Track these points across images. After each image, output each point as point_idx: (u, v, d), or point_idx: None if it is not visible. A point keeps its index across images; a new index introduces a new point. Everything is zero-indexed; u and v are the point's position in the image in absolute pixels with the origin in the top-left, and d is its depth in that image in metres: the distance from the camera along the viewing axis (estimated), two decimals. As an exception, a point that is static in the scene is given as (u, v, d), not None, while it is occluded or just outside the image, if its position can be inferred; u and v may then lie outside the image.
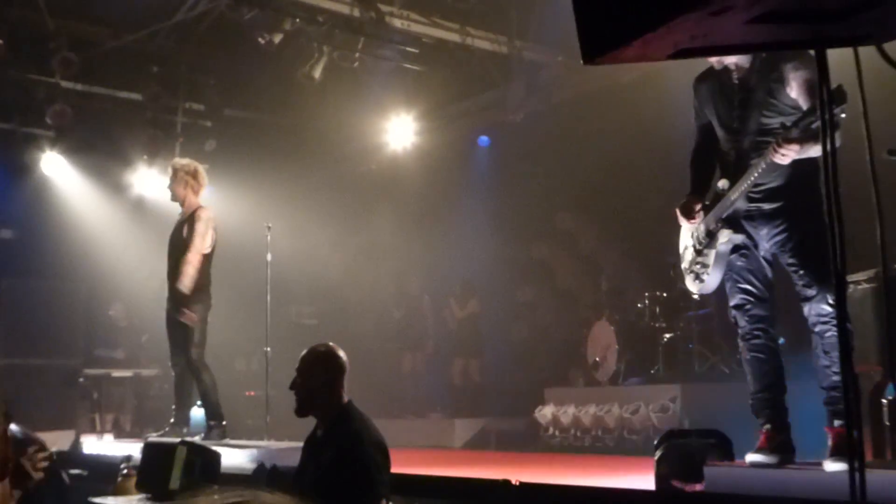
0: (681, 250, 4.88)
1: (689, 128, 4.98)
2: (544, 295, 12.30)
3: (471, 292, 12.34)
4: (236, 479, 5.70)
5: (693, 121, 4.88)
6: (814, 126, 3.91)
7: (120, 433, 10.89)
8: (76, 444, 9.05)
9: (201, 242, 7.71)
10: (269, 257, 8.43)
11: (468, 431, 10.94)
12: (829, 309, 4.16)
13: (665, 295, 9.65)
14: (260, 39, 10.08)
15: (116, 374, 11.77)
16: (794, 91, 4.33)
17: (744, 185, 4.38)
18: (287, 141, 13.05)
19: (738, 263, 4.56)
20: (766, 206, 4.43)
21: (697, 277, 4.71)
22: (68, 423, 10.64)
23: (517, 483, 4.67)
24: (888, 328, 4.52)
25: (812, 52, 3.56)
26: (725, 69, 4.58)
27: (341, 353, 4.33)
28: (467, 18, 10.54)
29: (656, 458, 4.59)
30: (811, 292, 4.25)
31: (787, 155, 4.11)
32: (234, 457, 6.50)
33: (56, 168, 12.27)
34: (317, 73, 10.50)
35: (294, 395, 4.31)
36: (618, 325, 9.87)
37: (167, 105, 11.86)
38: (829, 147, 2.09)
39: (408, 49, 10.86)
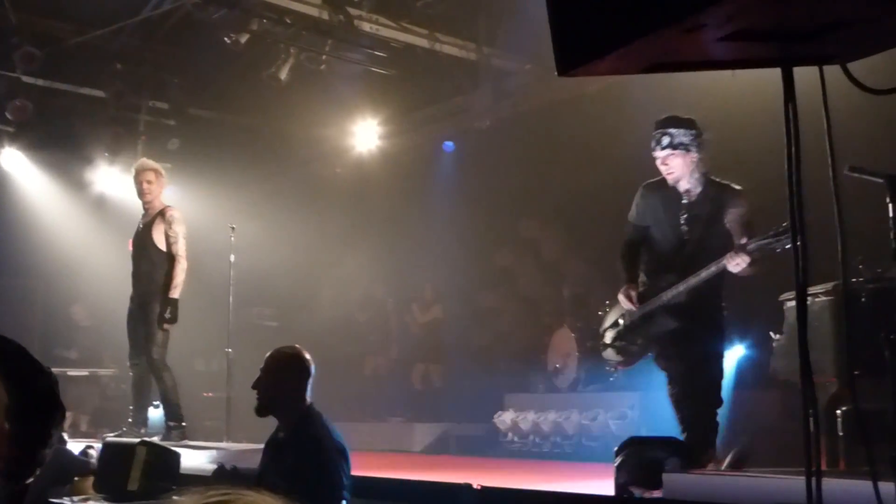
0: (606, 324, 5.57)
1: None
2: (507, 301, 12.34)
3: (434, 298, 12.36)
4: (196, 481, 5.67)
5: (630, 218, 5.47)
6: (766, 242, 4.65)
7: (76, 433, 10.75)
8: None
9: (183, 247, 7.73)
10: (232, 258, 8.40)
11: (428, 436, 10.96)
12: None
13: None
14: (226, 39, 10.05)
15: (73, 373, 11.62)
16: (729, 219, 5.05)
17: (692, 280, 5.02)
18: (252, 142, 12.99)
19: (660, 348, 5.28)
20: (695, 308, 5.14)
21: (622, 352, 5.46)
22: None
23: (478, 487, 4.70)
24: (847, 341, 4.64)
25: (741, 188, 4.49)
26: (675, 190, 5.19)
27: (308, 356, 4.34)
28: (436, 24, 10.57)
29: (616, 464, 4.65)
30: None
31: (740, 265, 4.79)
32: (194, 458, 6.46)
33: (15, 164, 12.12)
34: (283, 75, 10.48)
35: (256, 395, 4.30)
36: (579, 332, 9.93)
37: (130, 103, 11.75)
38: (794, 175, 2.15)
39: (376, 53, 10.87)
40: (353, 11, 10.03)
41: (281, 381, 4.25)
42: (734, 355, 8.17)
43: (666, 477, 4.39)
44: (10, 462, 1.71)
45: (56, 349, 12.13)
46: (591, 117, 10.07)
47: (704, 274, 4.93)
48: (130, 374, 8.09)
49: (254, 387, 4.29)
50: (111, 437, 7.33)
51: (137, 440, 6.13)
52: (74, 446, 7.70)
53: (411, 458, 10.14)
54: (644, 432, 8.08)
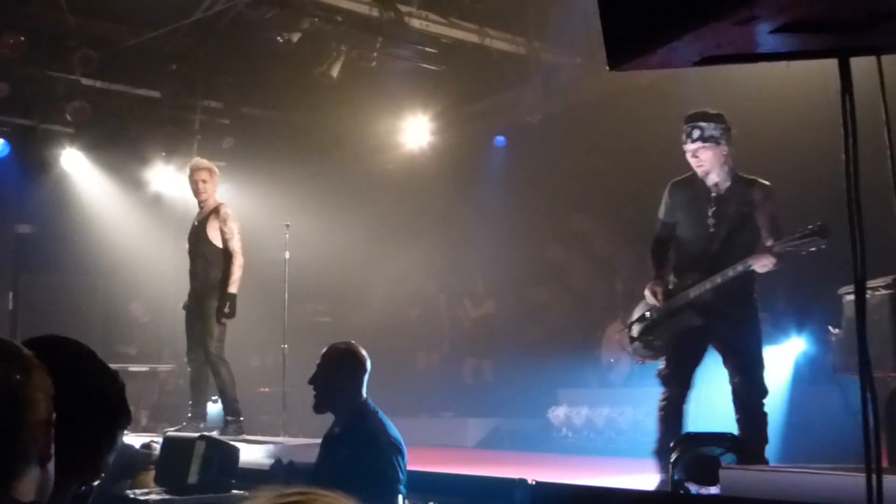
0: (634, 318, 5.61)
1: None
2: (559, 296, 12.30)
3: (486, 293, 12.37)
4: (254, 475, 5.75)
5: (660, 215, 5.54)
6: (795, 244, 4.70)
7: (136, 427, 10.95)
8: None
9: (239, 244, 7.83)
10: (286, 255, 8.48)
11: (481, 431, 10.97)
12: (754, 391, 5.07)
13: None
14: (278, 38, 10.14)
15: (133, 368, 11.84)
16: (758, 216, 5.12)
17: (718, 279, 5.06)
18: (304, 139, 13.09)
19: (681, 343, 5.29)
20: (727, 306, 5.17)
21: (648, 346, 5.50)
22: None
23: (533, 482, 4.70)
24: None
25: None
26: (704, 185, 5.25)
27: (363, 352, 4.37)
28: (485, 19, 10.55)
29: (671, 460, 4.62)
30: (737, 380, 5.09)
31: (766, 266, 4.87)
32: (251, 452, 6.54)
33: (75, 164, 12.35)
34: (334, 72, 10.54)
35: (312, 391, 4.34)
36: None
37: (185, 103, 11.91)
38: (851, 168, 2.12)
39: (426, 49, 10.89)
40: (402, 8, 10.06)
41: (337, 376, 4.28)
42: (792, 350, 8.06)
43: (723, 473, 4.35)
44: (76, 466, 1.76)
45: (116, 345, 12.37)
46: (642, 110, 9.98)
47: (731, 273, 4.99)
48: (188, 369, 8.22)
49: (310, 382, 4.33)
50: (171, 432, 7.45)
51: (197, 435, 6.23)
52: (135, 440, 7.87)
53: (464, 453, 10.16)
54: (699, 428, 8.01)
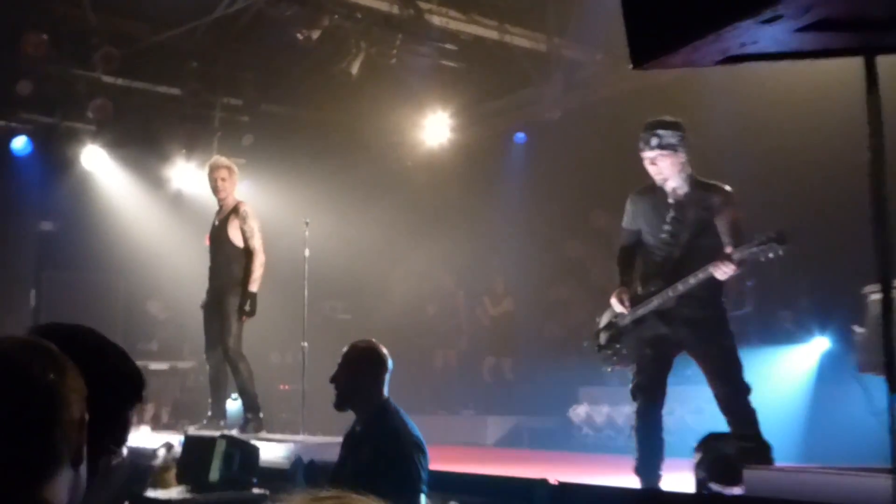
0: (601, 325, 5.60)
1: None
2: (579, 293, 12.26)
3: (505, 290, 12.36)
4: (274, 474, 5.78)
5: (623, 224, 5.60)
6: (753, 252, 4.75)
7: (157, 425, 11.03)
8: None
9: (260, 241, 7.86)
10: (306, 253, 8.50)
11: (501, 429, 10.97)
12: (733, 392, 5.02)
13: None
14: (298, 35, 10.15)
15: (154, 366, 11.91)
16: (719, 222, 5.13)
17: (679, 287, 5.07)
18: (324, 136, 13.13)
19: (648, 352, 5.27)
20: (691, 312, 5.15)
21: (615, 354, 5.49)
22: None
23: (555, 482, 4.70)
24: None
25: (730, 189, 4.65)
26: (663, 192, 5.31)
27: (384, 350, 4.38)
28: (506, 15, 10.54)
29: (695, 460, 4.60)
30: (715, 384, 5.08)
31: (727, 273, 4.87)
32: (272, 450, 6.57)
33: (97, 161, 12.41)
34: (354, 69, 10.55)
35: (333, 389, 4.35)
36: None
37: (205, 100, 11.96)
38: (877, 166, 2.11)
39: (446, 46, 10.87)
40: (422, 5, 10.06)
41: (358, 374, 4.29)
42: (815, 349, 8.02)
43: (747, 473, 4.33)
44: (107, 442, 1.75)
45: (138, 342, 12.45)
46: (663, 108, 9.85)
47: (692, 281, 5.01)
48: (207, 367, 8.26)
49: (332, 381, 4.35)
50: (192, 431, 7.50)
51: (218, 433, 6.27)
52: (157, 438, 7.94)
53: (484, 451, 10.16)
54: (722, 427, 7.99)
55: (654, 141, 5.23)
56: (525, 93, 11.61)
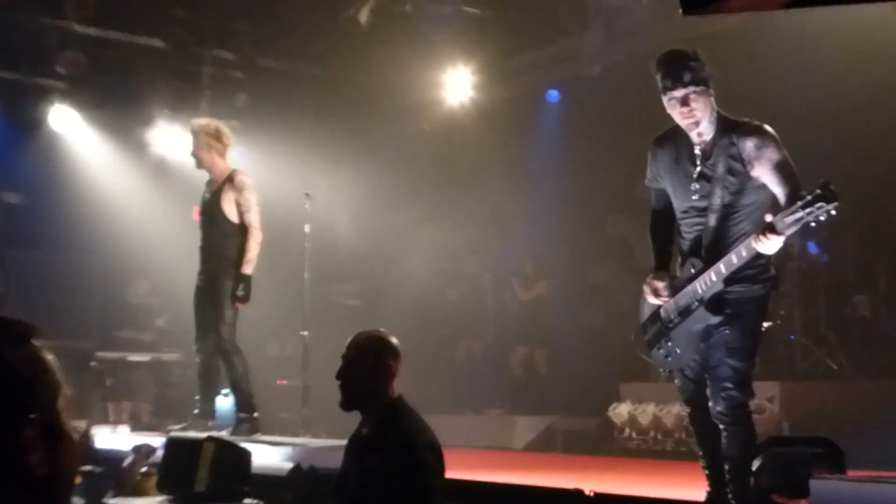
0: (644, 317, 5.28)
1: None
2: (621, 276, 12.20)
3: (538, 272, 12.33)
4: (270, 482, 5.78)
5: (647, 182, 5.26)
6: (798, 217, 4.35)
7: (137, 425, 11.10)
8: (87, 436, 9.23)
9: (257, 217, 7.82)
10: (307, 229, 8.49)
11: (531, 431, 10.98)
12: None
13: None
14: (299, -22, 10.12)
15: (133, 358, 11.96)
16: (759, 172, 4.75)
17: (722, 269, 4.72)
18: (328, 96, 13.09)
19: (702, 345, 4.93)
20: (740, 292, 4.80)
21: (668, 355, 5.11)
22: (78, 412, 10.83)
23: (591, 493, 4.68)
24: None
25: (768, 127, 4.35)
26: (687, 139, 4.93)
27: (394, 341, 4.36)
28: (538, -45, 10.47)
29: (755, 468, 4.57)
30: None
31: (773, 246, 4.51)
32: (267, 455, 6.58)
33: (68, 124, 12.43)
34: (363, 18, 10.50)
35: (339, 387, 4.34)
36: (707, 311, 9.79)
37: (193, 54, 11.95)
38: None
39: (469, -10, 10.83)
40: (441, -58, 10.00)
41: (363, 369, 4.28)
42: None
43: (815, 483, 4.29)
44: None
45: (116, 331, 12.51)
46: (721, 61, 9.74)
47: (735, 260, 4.65)
48: (196, 359, 8.27)
49: (338, 377, 4.33)
50: (176, 431, 7.52)
51: (205, 435, 6.27)
52: (134, 440, 7.97)
53: (512, 456, 10.17)
54: (786, 430, 7.95)
55: (688, 76, 4.79)
56: (560, 44, 11.52)
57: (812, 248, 9.89)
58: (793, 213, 4.36)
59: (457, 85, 11.68)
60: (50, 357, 1.67)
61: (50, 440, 1.61)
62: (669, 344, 5.09)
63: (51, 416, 1.62)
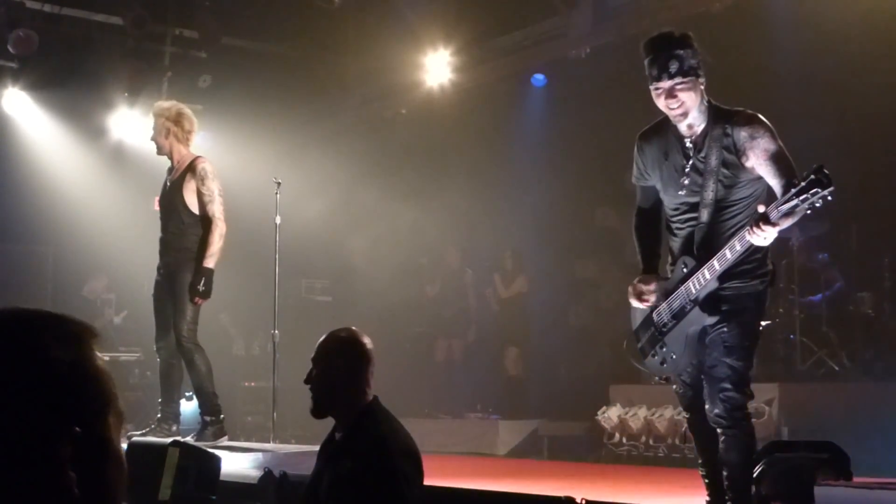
0: (636, 323, 5.22)
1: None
2: (610, 271, 12.23)
3: (518, 267, 12.30)
4: (239, 489, 5.75)
5: (633, 180, 5.19)
6: (792, 205, 4.33)
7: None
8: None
9: (220, 208, 7.76)
10: (277, 220, 8.45)
11: (515, 436, 10.99)
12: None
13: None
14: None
15: (90, 358, 11.89)
16: (753, 163, 4.72)
17: (716, 266, 4.70)
18: (298, 78, 13.06)
19: (698, 348, 4.90)
20: (737, 288, 4.79)
21: (664, 361, 5.06)
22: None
23: (582, 502, 4.67)
24: None
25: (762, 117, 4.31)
26: (675, 131, 4.89)
27: (366, 341, 4.33)
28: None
29: (755, 474, 4.57)
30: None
31: (768, 238, 4.47)
32: (235, 461, 6.56)
33: (19, 107, 12.38)
34: (336, -5, 10.48)
35: (309, 391, 4.32)
36: (701, 310, 9.82)
37: (153, 32, 11.89)
38: None
39: (449, -34, 10.81)
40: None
41: (334, 371, 4.25)
42: None
43: (820, 490, 4.30)
44: None
45: (69, 329, 12.43)
46: (716, 42, 9.84)
47: (730, 255, 4.63)
48: (157, 358, 8.22)
49: (307, 382, 4.30)
50: (137, 437, 7.47)
51: (168, 440, 6.23)
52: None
53: (495, 462, 10.17)
54: (786, 435, 7.98)
55: (675, 66, 4.73)
56: (546, 24, 11.53)
57: (812, 244, 9.92)
58: (787, 201, 4.33)
59: (436, 67, 11.67)
60: (104, 366, 1.59)
61: (94, 459, 1.52)
62: (664, 350, 5.04)
63: (98, 431, 1.53)
